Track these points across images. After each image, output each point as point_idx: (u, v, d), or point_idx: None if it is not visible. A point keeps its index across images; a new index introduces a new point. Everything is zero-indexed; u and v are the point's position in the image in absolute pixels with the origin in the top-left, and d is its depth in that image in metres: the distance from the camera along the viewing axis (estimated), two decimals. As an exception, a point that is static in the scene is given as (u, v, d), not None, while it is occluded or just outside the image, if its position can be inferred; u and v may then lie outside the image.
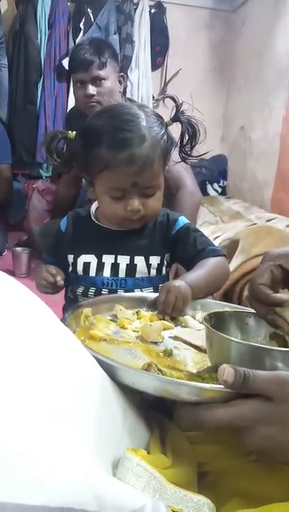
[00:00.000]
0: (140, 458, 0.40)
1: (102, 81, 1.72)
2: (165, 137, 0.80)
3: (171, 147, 0.82)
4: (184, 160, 0.89)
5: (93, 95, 1.71)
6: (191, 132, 0.84)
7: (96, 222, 0.88)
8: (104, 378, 0.45)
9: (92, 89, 1.71)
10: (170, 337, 0.63)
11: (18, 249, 2.18)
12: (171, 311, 0.69)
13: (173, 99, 0.84)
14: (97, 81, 1.72)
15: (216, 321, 0.53)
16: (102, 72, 1.72)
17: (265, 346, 0.47)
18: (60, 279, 0.80)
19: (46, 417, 0.33)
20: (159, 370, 0.48)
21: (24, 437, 0.29)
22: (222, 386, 0.41)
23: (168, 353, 0.56)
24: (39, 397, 0.34)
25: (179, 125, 0.83)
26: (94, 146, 0.76)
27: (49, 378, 0.36)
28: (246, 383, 0.40)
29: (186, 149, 0.86)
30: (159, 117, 0.81)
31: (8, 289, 0.43)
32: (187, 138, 0.84)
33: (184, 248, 0.86)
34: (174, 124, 0.84)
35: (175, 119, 0.84)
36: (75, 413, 0.37)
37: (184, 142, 0.85)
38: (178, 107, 0.84)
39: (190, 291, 0.72)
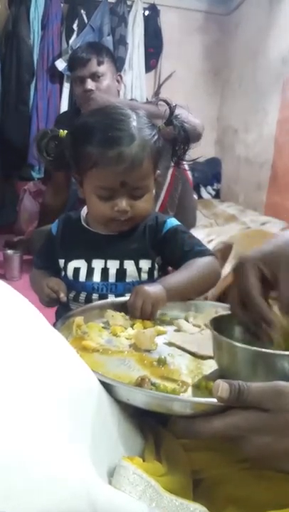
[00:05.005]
0: (136, 466, 0.40)
1: (101, 77, 1.79)
2: (156, 139, 0.80)
3: (162, 150, 0.82)
4: (177, 164, 0.89)
5: (92, 90, 1.76)
6: (184, 136, 0.84)
7: (85, 226, 0.88)
8: (98, 386, 0.45)
9: (90, 84, 1.78)
10: (164, 343, 0.62)
11: (10, 252, 2.16)
12: (139, 314, 0.68)
13: (166, 102, 0.85)
14: (95, 77, 1.79)
15: (220, 325, 0.53)
16: (100, 69, 1.79)
17: (273, 351, 0.47)
18: (63, 296, 0.78)
19: (42, 426, 0.32)
20: (153, 384, 0.48)
21: (19, 446, 0.29)
22: (215, 399, 0.41)
23: (162, 363, 0.55)
24: (34, 406, 0.33)
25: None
26: (84, 144, 0.77)
27: (44, 387, 0.36)
28: (241, 397, 0.39)
29: (179, 153, 0.86)
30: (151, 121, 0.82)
31: (2, 295, 0.42)
32: (180, 143, 0.84)
33: (171, 250, 0.85)
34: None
35: (168, 122, 0.84)
36: (71, 421, 0.37)
37: (177, 146, 0.85)
38: (172, 111, 0.84)
39: (163, 295, 0.70)
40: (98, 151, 0.75)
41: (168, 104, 0.85)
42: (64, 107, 2.84)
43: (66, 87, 2.83)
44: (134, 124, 0.77)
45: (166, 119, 0.85)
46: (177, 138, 0.85)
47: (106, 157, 0.74)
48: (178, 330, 0.68)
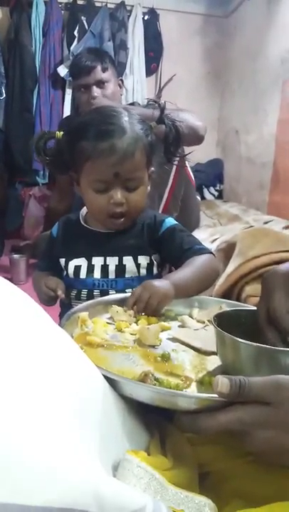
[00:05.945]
0: (140, 459, 0.40)
1: (106, 83, 1.78)
2: (148, 134, 0.83)
3: (155, 145, 0.85)
4: (169, 161, 0.91)
5: (98, 97, 1.75)
6: (175, 134, 0.86)
7: (85, 225, 0.90)
8: (102, 382, 0.45)
9: (96, 91, 1.76)
10: (168, 338, 0.63)
11: (16, 256, 2.18)
12: (143, 308, 0.68)
13: (156, 102, 0.90)
14: (100, 84, 1.78)
15: (224, 321, 0.53)
16: (104, 75, 1.78)
17: (276, 347, 0.47)
18: (61, 293, 0.80)
19: (48, 419, 0.33)
20: (156, 379, 0.49)
21: (25, 438, 0.29)
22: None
23: (166, 358, 0.55)
24: (41, 399, 0.34)
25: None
26: (78, 140, 0.80)
27: (51, 382, 0.36)
28: (242, 392, 0.40)
29: (172, 150, 0.89)
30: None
31: (8, 295, 0.43)
32: (171, 139, 0.87)
33: (170, 248, 0.86)
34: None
35: (159, 121, 0.87)
36: (77, 415, 0.38)
37: (168, 143, 0.87)
38: (162, 109, 0.88)
39: (172, 292, 0.71)
40: (91, 145, 0.78)
41: (158, 104, 0.88)
42: (66, 112, 2.87)
43: (68, 93, 2.86)
44: (126, 118, 0.81)
45: (157, 118, 0.88)
46: (168, 135, 0.87)
47: (99, 149, 0.77)
48: (182, 326, 0.68)
